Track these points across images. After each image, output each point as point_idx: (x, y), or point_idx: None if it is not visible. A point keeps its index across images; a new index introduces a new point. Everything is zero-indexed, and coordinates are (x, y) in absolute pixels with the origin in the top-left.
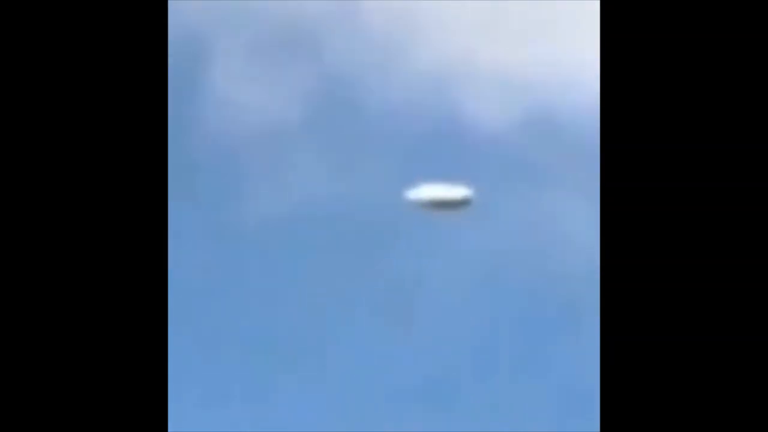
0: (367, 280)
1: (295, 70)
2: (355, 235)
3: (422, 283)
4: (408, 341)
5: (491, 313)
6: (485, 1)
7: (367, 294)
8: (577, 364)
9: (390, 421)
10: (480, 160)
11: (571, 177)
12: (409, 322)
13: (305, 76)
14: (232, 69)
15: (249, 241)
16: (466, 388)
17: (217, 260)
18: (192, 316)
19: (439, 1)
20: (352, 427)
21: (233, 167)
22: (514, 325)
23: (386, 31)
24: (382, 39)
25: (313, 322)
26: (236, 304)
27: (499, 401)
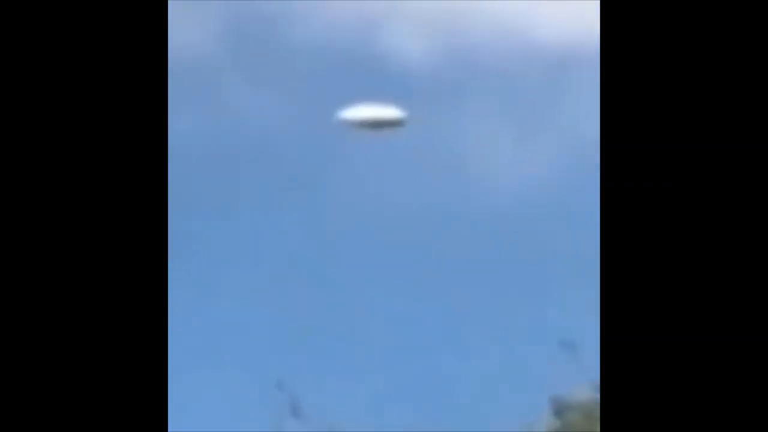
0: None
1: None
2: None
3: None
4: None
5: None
6: None
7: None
8: None
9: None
10: (402, 90)
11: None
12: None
13: (224, 11)
14: None
15: (185, 171)
16: None
17: None
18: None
19: None
20: None
21: None
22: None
23: None
24: None
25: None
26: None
27: None
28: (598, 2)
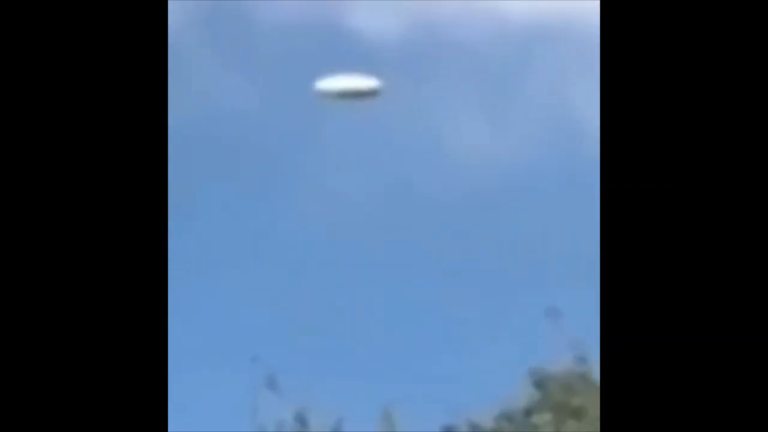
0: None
1: None
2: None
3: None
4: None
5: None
6: None
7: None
8: None
9: None
10: (373, 66)
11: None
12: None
13: None
14: None
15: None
16: None
17: None
18: None
19: None
20: None
21: None
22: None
23: None
24: None
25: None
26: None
27: None
28: (598, 2)
